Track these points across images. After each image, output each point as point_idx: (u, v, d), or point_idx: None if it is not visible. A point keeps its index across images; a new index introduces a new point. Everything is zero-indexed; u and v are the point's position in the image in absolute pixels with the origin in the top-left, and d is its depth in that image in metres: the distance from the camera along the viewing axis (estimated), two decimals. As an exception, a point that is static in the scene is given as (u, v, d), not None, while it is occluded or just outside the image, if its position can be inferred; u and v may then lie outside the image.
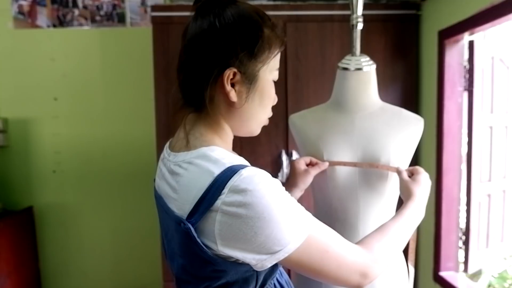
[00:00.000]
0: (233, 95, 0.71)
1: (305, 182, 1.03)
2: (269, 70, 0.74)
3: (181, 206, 0.68)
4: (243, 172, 0.63)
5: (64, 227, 2.37)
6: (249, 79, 0.71)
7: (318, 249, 0.67)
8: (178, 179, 0.70)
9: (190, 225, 0.64)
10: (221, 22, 0.69)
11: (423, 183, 0.92)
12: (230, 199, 0.62)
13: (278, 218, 0.63)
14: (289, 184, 1.04)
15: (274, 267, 0.72)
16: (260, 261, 0.65)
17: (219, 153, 0.68)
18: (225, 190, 0.62)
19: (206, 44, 0.70)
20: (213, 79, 0.70)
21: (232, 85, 0.71)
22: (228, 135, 0.77)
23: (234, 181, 0.62)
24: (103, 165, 2.33)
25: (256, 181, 0.63)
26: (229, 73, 0.69)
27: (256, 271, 0.69)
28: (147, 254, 2.35)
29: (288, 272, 1.87)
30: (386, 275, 1.02)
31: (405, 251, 1.06)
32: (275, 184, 0.65)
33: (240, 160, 0.69)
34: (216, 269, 0.67)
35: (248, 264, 0.67)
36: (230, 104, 0.73)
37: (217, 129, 0.75)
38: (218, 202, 0.62)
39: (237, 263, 0.67)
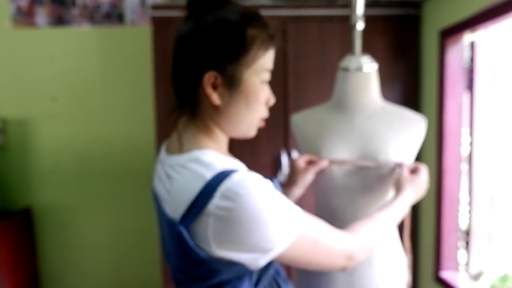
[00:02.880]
0: (215, 98, 0.71)
1: (305, 180, 1.02)
2: (255, 72, 0.73)
3: (174, 209, 0.69)
4: (234, 176, 0.65)
5: (63, 227, 2.36)
6: (231, 82, 0.71)
7: (309, 242, 0.70)
8: (172, 182, 0.71)
9: (182, 228, 0.66)
10: (201, 26, 0.70)
11: (418, 185, 0.95)
12: (222, 203, 0.64)
13: (270, 219, 0.65)
14: (289, 182, 1.05)
15: (268, 265, 0.75)
16: (254, 260, 0.67)
17: (211, 157, 0.70)
18: (217, 195, 0.64)
19: (187, 48, 0.71)
20: (195, 83, 0.71)
21: (215, 88, 0.71)
22: (220, 137, 0.78)
23: (225, 186, 0.64)
24: (102, 165, 2.33)
25: (247, 184, 0.64)
26: (208, 76, 0.70)
27: (249, 270, 0.71)
28: (146, 254, 2.35)
29: (288, 270, 1.86)
30: (382, 265, 1.02)
31: (401, 238, 1.06)
32: (265, 186, 0.67)
33: (232, 164, 0.70)
34: (210, 269, 0.69)
35: (241, 263, 0.69)
36: (215, 107, 0.73)
37: (208, 132, 0.76)
38: (210, 206, 0.64)
39: (230, 263, 0.68)
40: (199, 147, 0.72)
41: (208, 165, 0.68)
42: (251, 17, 0.71)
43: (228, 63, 0.70)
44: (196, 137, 0.74)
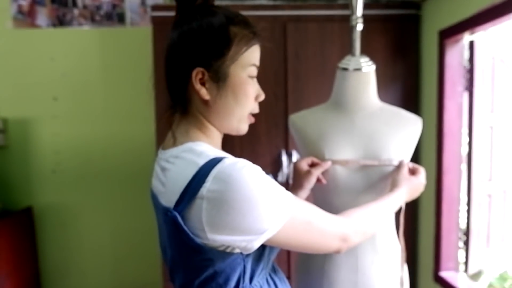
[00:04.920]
0: (203, 93, 0.75)
1: (310, 182, 1.03)
2: (241, 67, 0.76)
3: (169, 198, 0.71)
4: (226, 160, 0.68)
5: (64, 227, 2.36)
6: (218, 77, 0.74)
7: (302, 223, 0.72)
8: (166, 174, 0.74)
9: (176, 213, 0.67)
10: (187, 28, 0.75)
11: (414, 185, 0.98)
12: (215, 186, 0.65)
13: (263, 199, 0.66)
14: (295, 186, 1.06)
15: (261, 256, 0.76)
16: (250, 242, 0.68)
17: (204, 148, 0.73)
18: (209, 178, 0.66)
19: (176, 50, 0.77)
20: (185, 81, 0.75)
21: (203, 84, 0.75)
22: (214, 133, 0.80)
23: (217, 169, 0.66)
24: (103, 165, 2.33)
25: (239, 167, 0.67)
26: (196, 72, 0.74)
27: (243, 260, 0.72)
28: (147, 254, 2.35)
29: (288, 274, 1.86)
30: (385, 263, 1.03)
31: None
32: (256, 169, 0.69)
33: (225, 154, 0.72)
34: (204, 257, 0.70)
35: (235, 253, 0.70)
36: (205, 103, 0.76)
37: (201, 127, 0.78)
38: (203, 190, 0.66)
39: (224, 252, 0.70)
40: (192, 139, 0.76)
41: (201, 153, 0.70)
42: (234, 17, 0.76)
43: (213, 59, 0.74)
44: (189, 132, 0.77)
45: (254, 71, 0.78)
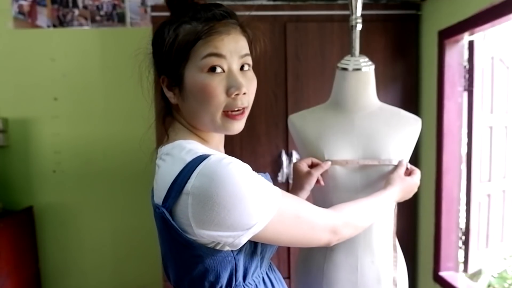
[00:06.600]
0: (171, 98, 0.77)
1: (310, 183, 1.03)
2: (193, 64, 0.72)
3: (158, 194, 0.72)
4: (212, 157, 0.67)
5: (64, 227, 2.36)
6: (175, 80, 0.75)
7: (290, 216, 0.72)
8: (158, 171, 0.75)
9: (164, 209, 0.68)
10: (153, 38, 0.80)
11: (407, 186, 0.98)
12: (199, 182, 0.65)
13: (249, 194, 0.66)
14: (295, 187, 1.05)
15: (254, 254, 0.76)
16: (236, 238, 0.68)
17: (194, 145, 0.73)
18: (194, 174, 0.66)
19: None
20: (158, 87, 0.80)
21: (171, 89, 0.77)
22: (202, 133, 0.79)
23: (203, 165, 0.66)
24: (103, 165, 2.33)
25: (224, 163, 0.66)
26: (162, 79, 0.78)
27: (234, 258, 0.72)
28: (147, 254, 2.35)
29: (288, 274, 1.87)
30: (384, 263, 1.03)
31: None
32: (243, 166, 0.69)
33: (215, 152, 0.72)
34: (193, 254, 0.70)
35: (225, 251, 0.70)
36: (176, 106, 0.78)
37: (189, 127, 0.79)
38: (188, 186, 0.66)
39: (214, 249, 0.70)
40: (183, 138, 0.76)
41: (189, 151, 0.71)
42: (190, 15, 0.75)
43: (167, 63, 0.75)
44: (180, 130, 0.79)
45: (208, 62, 0.71)
